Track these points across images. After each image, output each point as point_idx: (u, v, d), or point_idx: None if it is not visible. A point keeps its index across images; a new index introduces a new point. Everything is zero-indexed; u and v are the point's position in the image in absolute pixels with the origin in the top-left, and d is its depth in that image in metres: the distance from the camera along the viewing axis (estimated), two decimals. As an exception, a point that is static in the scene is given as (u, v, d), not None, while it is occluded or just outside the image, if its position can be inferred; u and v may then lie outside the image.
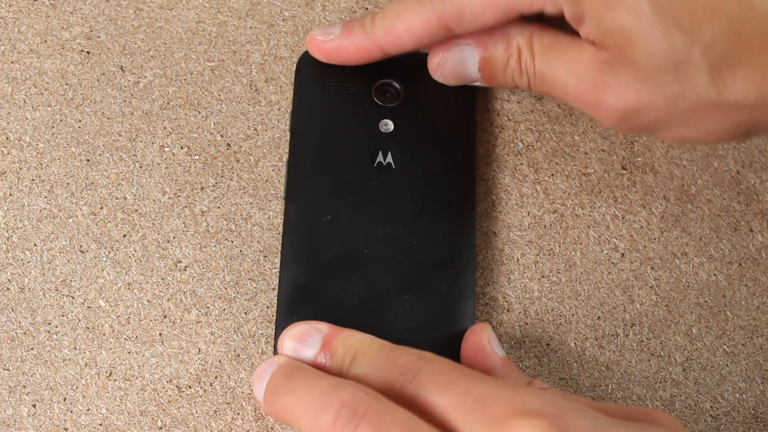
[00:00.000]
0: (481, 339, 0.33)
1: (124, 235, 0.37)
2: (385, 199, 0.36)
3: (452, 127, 0.38)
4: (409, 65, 0.39)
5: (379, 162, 0.37)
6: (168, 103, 0.39)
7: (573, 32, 0.33)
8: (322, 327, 0.32)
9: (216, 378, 0.35)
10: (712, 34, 0.29)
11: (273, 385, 0.30)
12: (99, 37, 0.40)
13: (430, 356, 0.29)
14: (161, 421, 0.34)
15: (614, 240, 0.39)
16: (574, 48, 0.32)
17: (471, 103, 0.39)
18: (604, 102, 0.32)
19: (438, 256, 0.36)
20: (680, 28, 0.29)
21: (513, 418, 0.26)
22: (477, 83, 0.37)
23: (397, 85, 0.38)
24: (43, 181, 0.37)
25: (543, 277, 0.38)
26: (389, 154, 0.37)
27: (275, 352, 0.34)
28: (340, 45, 0.35)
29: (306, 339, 0.32)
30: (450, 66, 0.36)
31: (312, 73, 0.38)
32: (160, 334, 0.35)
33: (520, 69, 0.34)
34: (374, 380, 0.29)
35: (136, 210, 0.37)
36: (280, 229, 0.37)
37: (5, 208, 0.37)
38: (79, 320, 0.35)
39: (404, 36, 0.34)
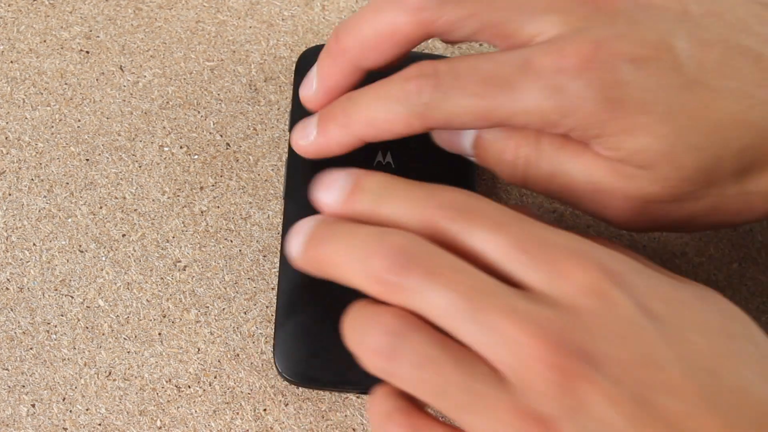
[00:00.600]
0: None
1: (124, 235, 0.37)
2: None
3: None
4: (408, 64, 0.39)
5: (379, 161, 0.37)
6: (167, 102, 0.39)
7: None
8: (350, 171, 0.29)
9: (215, 378, 0.35)
10: (741, 144, 0.27)
11: (313, 235, 0.28)
12: (98, 36, 0.40)
13: (474, 196, 0.27)
14: (160, 420, 0.34)
15: (614, 240, 0.39)
16: (587, 153, 0.29)
17: None
18: (619, 201, 0.29)
19: None
20: (708, 143, 0.27)
21: (570, 264, 0.24)
22: (471, 159, 0.33)
23: None
24: (42, 180, 0.37)
25: (543, 276, 0.38)
26: (389, 153, 0.37)
27: (274, 351, 0.34)
28: (319, 145, 0.32)
29: (332, 184, 0.29)
30: (445, 132, 0.33)
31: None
32: (160, 334, 0.35)
33: (515, 162, 0.30)
34: (408, 221, 0.27)
35: (135, 210, 0.37)
36: (280, 228, 0.37)
37: (4, 208, 0.37)
38: (79, 320, 0.35)
39: (384, 129, 0.30)
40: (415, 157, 0.37)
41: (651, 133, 0.27)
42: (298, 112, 0.38)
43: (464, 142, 0.32)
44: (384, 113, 0.29)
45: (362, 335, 0.26)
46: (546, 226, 0.26)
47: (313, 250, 0.28)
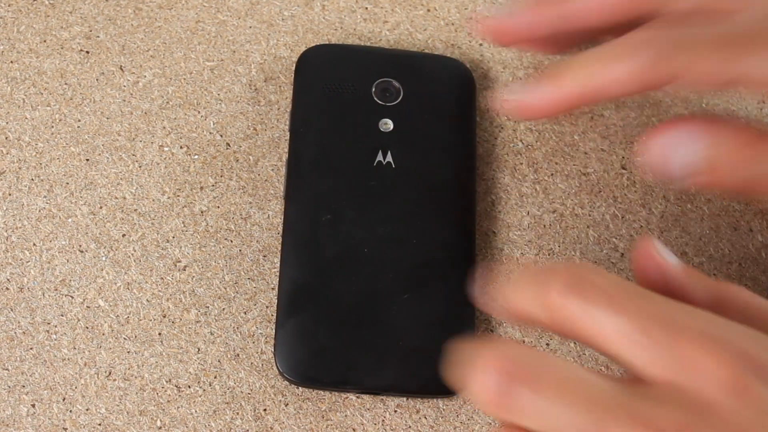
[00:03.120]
0: (648, 249, 0.27)
1: (124, 235, 0.37)
2: (386, 198, 0.36)
3: (452, 125, 0.38)
4: (408, 64, 0.39)
5: (379, 161, 0.37)
6: (167, 102, 0.39)
7: None
8: None
9: (215, 378, 0.35)
10: None
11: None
12: (98, 36, 0.40)
13: (586, 266, 0.24)
14: (160, 420, 0.34)
15: (614, 240, 0.39)
16: None
17: (471, 101, 0.39)
18: None
19: (438, 254, 0.36)
20: None
21: (702, 351, 0.21)
22: (685, 184, 0.28)
23: (397, 84, 0.38)
24: (42, 180, 0.37)
25: (543, 276, 0.38)
26: (389, 153, 0.37)
27: (274, 351, 0.34)
28: (543, 100, 0.30)
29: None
30: (656, 155, 0.29)
31: (312, 72, 0.38)
32: (160, 334, 0.35)
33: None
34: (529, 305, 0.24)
35: (135, 210, 0.37)
36: (280, 228, 0.37)
37: (4, 208, 0.37)
38: (79, 320, 0.35)
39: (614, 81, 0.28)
40: (415, 157, 0.37)
41: None
42: (299, 112, 0.38)
43: (685, 164, 0.28)
44: (619, 64, 0.28)
45: None
46: (668, 300, 0.23)
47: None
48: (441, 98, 0.38)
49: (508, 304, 0.25)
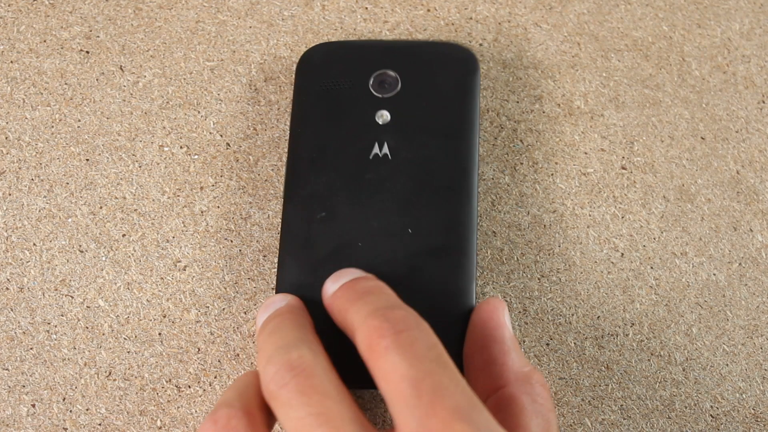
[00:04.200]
0: (497, 308, 0.33)
1: (124, 235, 0.37)
2: (381, 191, 0.36)
3: (452, 112, 0.38)
4: (408, 53, 0.38)
5: (376, 153, 0.37)
6: (167, 102, 0.39)
7: None
8: (362, 273, 0.33)
9: (215, 378, 0.35)
10: None
11: (265, 322, 0.32)
12: (98, 36, 0.40)
13: (425, 326, 0.29)
14: (160, 420, 0.34)
15: (614, 240, 0.39)
16: None
17: (473, 91, 0.38)
18: None
19: (436, 246, 0.36)
20: None
21: (453, 424, 0.25)
22: None
23: (394, 74, 0.38)
24: (42, 180, 0.37)
25: (543, 276, 0.38)
26: (385, 144, 0.37)
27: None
28: None
29: (339, 277, 0.33)
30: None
31: (312, 71, 0.38)
32: (160, 334, 0.35)
33: None
34: (361, 321, 0.29)
35: (135, 209, 0.37)
36: (280, 228, 0.37)
37: (4, 208, 0.37)
38: (79, 320, 0.35)
39: None
40: (412, 148, 0.37)
41: None
42: (299, 112, 0.38)
43: None
44: None
45: None
46: (460, 378, 0.27)
47: (258, 333, 0.32)
48: (441, 86, 0.38)
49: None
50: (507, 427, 0.30)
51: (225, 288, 0.36)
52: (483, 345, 0.33)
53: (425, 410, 0.25)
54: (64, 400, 0.34)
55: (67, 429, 0.34)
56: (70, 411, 0.34)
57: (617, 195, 0.40)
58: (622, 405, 0.37)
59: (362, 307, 0.30)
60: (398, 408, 0.26)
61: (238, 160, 0.38)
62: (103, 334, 0.35)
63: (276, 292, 0.35)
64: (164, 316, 0.36)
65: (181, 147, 0.38)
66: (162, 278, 0.36)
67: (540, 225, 0.39)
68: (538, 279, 0.38)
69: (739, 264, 0.39)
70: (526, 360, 0.32)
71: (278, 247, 0.36)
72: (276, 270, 0.36)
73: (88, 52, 0.40)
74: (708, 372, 0.38)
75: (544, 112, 0.41)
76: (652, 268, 0.39)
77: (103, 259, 0.36)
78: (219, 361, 0.35)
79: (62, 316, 0.35)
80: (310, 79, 0.38)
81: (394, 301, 0.30)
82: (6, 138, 0.38)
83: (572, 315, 0.38)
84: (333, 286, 0.32)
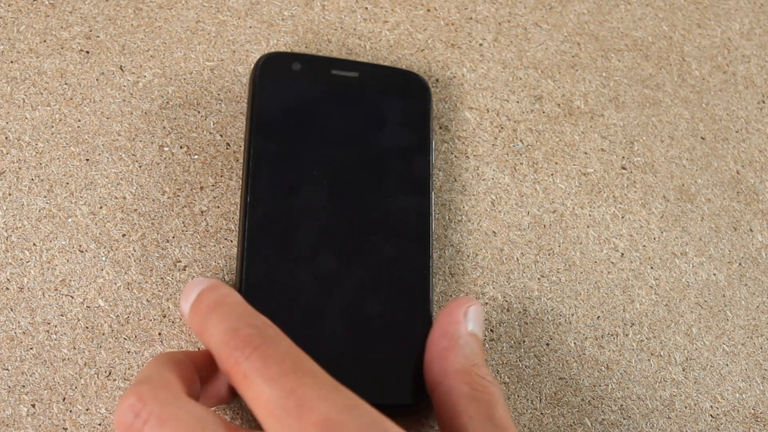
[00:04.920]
0: (459, 305, 0.33)
1: (124, 235, 0.37)
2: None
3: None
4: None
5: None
6: (167, 102, 0.39)
7: None
8: (208, 283, 0.32)
9: (215, 378, 0.35)
10: None
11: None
12: (98, 36, 0.40)
13: (272, 335, 0.29)
14: (160, 420, 0.34)
15: (614, 240, 0.39)
16: None
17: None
18: None
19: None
20: None
21: None
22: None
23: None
24: (42, 180, 0.37)
25: (543, 276, 0.38)
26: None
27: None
28: None
29: (189, 290, 0.32)
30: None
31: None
32: (160, 334, 0.35)
33: None
34: (217, 348, 0.29)
35: (135, 209, 0.37)
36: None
37: (4, 208, 0.37)
38: (79, 320, 0.35)
39: None
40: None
41: None
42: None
43: None
44: None
45: None
46: (329, 383, 0.27)
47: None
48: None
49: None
50: (447, 417, 0.30)
51: (225, 288, 0.36)
52: (436, 339, 0.33)
53: (297, 430, 0.26)
54: (64, 400, 0.34)
55: (67, 429, 0.34)
56: (70, 411, 0.34)
57: (617, 195, 0.40)
58: (621, 405, 0.37)
59: (211, 331, 0.30)
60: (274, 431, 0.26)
61: (238, 160, 0.38)
62: (103, 334, 0.35)
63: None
64: (164, 316, 0.36)
65: (181, 147, 0.39)
66: (162, 278, 0.36)
67: (540, 225, 0.39)
68: (538, 279, 0.38)
69: (739, 264, 0.39)
70: (479, 357, 0.32)
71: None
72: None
73: (88, 52, 0.40)
74: (708, 372, 0.38)
75: (544, 112, 0.41)
76: (652, 268, 0.39)
77: (103, 259, 0.36)
78: (219, 361, 0.35)
79: (62, 316, 0.35)
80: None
81: (237, 314, 0.30)
82: (6, 138, 0.38)
83: (572, 315, 0.38)
84: (185, 306, 0.32)
